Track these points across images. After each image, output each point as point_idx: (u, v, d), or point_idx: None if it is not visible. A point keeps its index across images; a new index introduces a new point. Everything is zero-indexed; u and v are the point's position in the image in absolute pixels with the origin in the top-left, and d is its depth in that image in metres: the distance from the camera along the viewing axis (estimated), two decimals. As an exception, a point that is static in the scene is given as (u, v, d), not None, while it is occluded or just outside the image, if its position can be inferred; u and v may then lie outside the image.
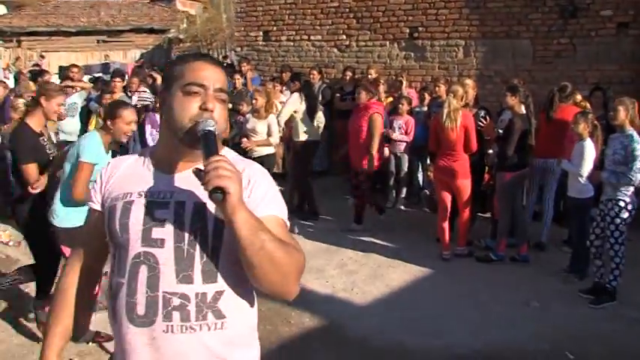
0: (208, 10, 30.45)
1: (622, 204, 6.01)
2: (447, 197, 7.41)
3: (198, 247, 1.88)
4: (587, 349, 5.18)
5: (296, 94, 8.85)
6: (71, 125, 10.00)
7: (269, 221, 1.84)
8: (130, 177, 2.04)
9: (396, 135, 9.50)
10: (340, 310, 5.98)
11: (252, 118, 8.59)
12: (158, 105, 9.29)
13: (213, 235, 1.88)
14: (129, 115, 4.84)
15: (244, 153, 7.89)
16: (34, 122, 5.17)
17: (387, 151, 9.34)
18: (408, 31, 11.49)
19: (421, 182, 9.85)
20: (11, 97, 9.59)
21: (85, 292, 2.19)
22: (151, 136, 9.84)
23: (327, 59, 12.52)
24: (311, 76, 11.03)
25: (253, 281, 1.84)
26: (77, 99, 10.33)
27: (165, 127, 1.99)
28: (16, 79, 14.87)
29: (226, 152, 1.97)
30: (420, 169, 9.86)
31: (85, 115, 10.19)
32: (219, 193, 1.68)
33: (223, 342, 1.91)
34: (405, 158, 9.70)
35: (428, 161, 9.04)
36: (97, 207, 2.09)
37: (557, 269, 6.93)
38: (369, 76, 10.65)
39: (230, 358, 1.94)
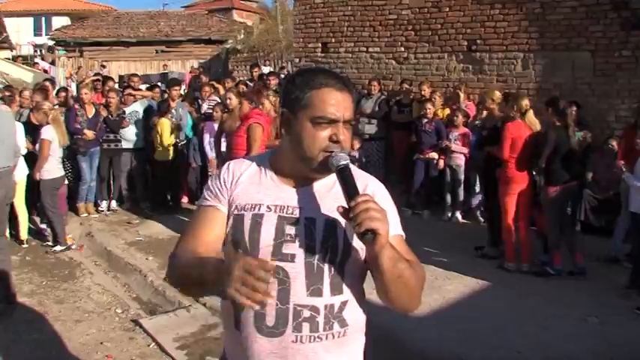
0: (265, 21, 30.89)
1: None
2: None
3: (327, 261, 1.97)
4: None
5: None
6: (132, 133, 10.27)
7: (395, 241, 1.95)
8: (254, 186, 2.07)
9: (454, 146, 9.51)
10: (397, 321, 5.96)
11: None
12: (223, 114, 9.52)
13: (342, 251, 1.98)
14: None
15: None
16: None
17: (441, 162, 9.39)
18: (466, 43, 11.48)
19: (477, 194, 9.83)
20: (75, 106, 9.90)
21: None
22: (209, 145, 10.04)
23: (385, 71, 12.58)
24: (371, 87, 11.13)
25: (384, 300, 1.98)
26: (138, 107, 10.59)
27: (291, 149, 2.02)
28: (78, 88, 15.28)
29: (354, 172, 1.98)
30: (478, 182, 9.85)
31: (143, 123, 10.46)
32: (370, 235, 1.75)
33: (342, 347, 2.01)
34: (462, 170, 9.69)
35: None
36: (223, 208, 2.07)
37: (617, 285, 6.83)
38: (423, 92, 10.68)
39: None
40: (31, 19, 42.28)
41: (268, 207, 2.01)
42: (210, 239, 2.06)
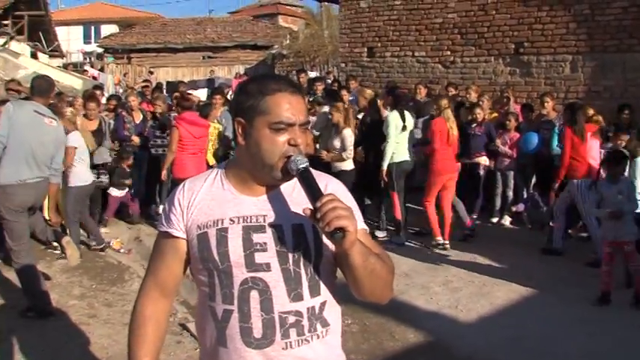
0: (311, 26, 31.00)
1: None
2: None
3: (302, 265, 1.99)
4: None
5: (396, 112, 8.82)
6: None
7: (361, 235, 1.94)
8: (214, 202, 2.05)
9: (501, 147, 9.41)
10: (444, 327, 5.98)
11: (332, 133, 8.83)
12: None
13: (315, 252, 2.00)
14: None
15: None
16: None
17: (491, 165, 9.31)
18: (513, 46, 11.38)
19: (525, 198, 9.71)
20: (123, 113, 10.06)
21: (164, 321, 2.21)
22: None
23: (432, 75, 12.53)
24: (417, 91, 11.07)
25: (357, 294, 2.01)
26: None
27: (249, 158, 2.01)
28: (126, 94, 15.50)
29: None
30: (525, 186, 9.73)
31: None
32: (339, 233, 1.77)
33: (327, 347, 2.04)
34: (511, 175, 9.57)
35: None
36: (180, 234, 2.07)
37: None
38: (467, 96, 10.60)
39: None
40: (81, 28, 43.19)
41: (231, 219, 2.01)
42: (169, 274, 2.14)
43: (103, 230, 8.89)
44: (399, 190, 8.70)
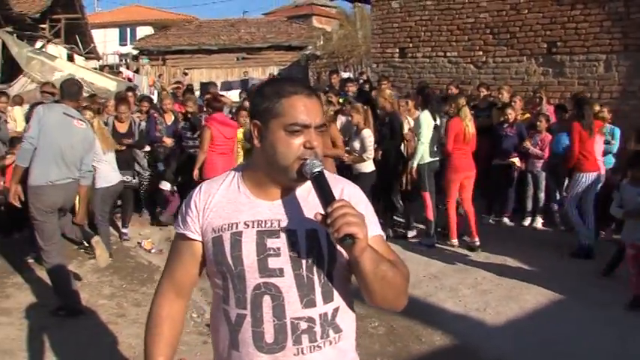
0: (344, 27, 30.94)
1: None
2: None
3: (315, 271, 1.99)
4: None
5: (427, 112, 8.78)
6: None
7: (375, 242, 1.97)
8: (229, 205, 2.07)
9: (532, 149, 9.30)
10: (472, 329, 5.94)
11: (353, 135, 8.82)
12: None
13: (328, 259, 2.00)
14: None
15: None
16: None
17: (522, 166, 9.21)
18: (545, 46, 11.24)
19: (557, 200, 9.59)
20: (155, 114, 10.15)
21: (180, 322, 2.24)
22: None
23: (464, 75, 12.44)
24: (449, 92, 10.99)
25: (369, 300, 1.98)
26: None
27: (264, 160, 2.02)
28: (159, 96, 15.62)
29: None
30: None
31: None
32: (349, 240, 1.77)
33: (340, 354, 2.05)
34: (543, 176, 9.46)
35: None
36: (195, 236, 2.10)
37: None
38: (500, 97, 10.50)
39: None
40: (117, 30, 43.64)
41: (245, 224, 2.02)
42: (185, 275, 2.18)
43: (137, 231, 8.98)
44: (430, 189, 8.67)
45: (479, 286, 7.06)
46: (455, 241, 8.52)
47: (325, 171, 1.98)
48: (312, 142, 1.95)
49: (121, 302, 6.61)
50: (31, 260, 7.64)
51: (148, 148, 9.87)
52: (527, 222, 9.64)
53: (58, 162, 5.92)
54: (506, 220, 9.77)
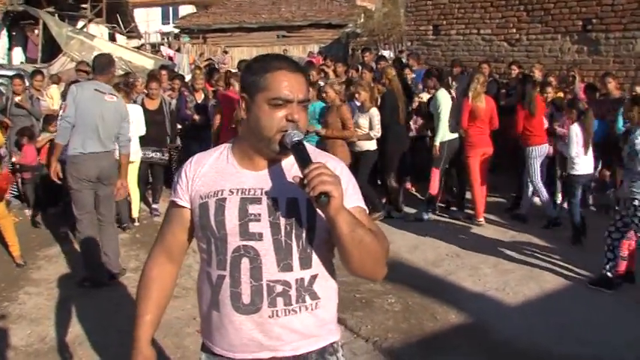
0: (386, 4, 30.64)
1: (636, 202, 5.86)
2: None
3: (294, 237, 2.09)
4: None
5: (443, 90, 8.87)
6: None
7: (355, 212, 2.05)
8: (217, 174, 2.19)
9: (559, 129, 9.14)
10: (489, 309, 5.92)
11: (357, 111, 8.76)
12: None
13: (307, 226, 2.09)
14: None
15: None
16: None
17: (551, 149, 9.06)
18: (580, 23, 10.99)
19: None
20: (185, 92, 10.24)
21: (169, 283, 2.37)
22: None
23: (497, 53, 12.27)
24: (481, 69, 10.84)
25: (347, 267, 2.07)
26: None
27: (250, 132, 2.13)
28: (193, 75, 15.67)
29: (308, 147, 2.09)
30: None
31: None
32: (324, 198, 1.85)
33: (317, 322, 2.15)
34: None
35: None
36: (184, 204, 2.23)
37: None
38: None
39: (323, 337, 2.19)
40: (159, 9, 43.84)
41: (230, 191, 2.13)
42: (174, 241, 2.32)
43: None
44: (442, 167, 8.83)
45: (500, 266, 7.02)
46: (481, 220, 8.54)
47: (311, 146, 2.13)
48: (293, 114, 2.05)
49: (145, 275, 6.74)
50: (63, 234, 8.05)
51: (179, 126, 9.99)
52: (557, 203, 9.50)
53: (92, 137, 6.33)
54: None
